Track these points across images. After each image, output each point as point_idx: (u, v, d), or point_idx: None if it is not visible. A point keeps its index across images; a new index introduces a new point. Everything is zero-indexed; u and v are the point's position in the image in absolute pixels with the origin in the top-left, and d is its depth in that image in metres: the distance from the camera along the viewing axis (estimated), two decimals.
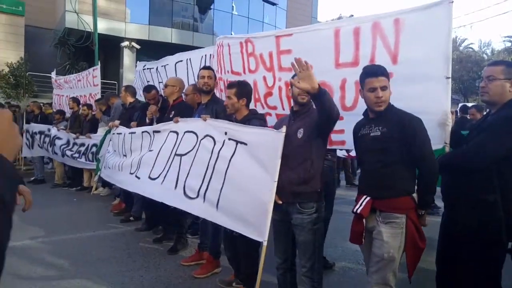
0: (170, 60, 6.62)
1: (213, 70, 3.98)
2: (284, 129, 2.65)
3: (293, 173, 2.59)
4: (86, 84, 8.53)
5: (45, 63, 15.04)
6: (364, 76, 2.38)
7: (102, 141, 6.70)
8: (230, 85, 3.25)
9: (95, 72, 8.17)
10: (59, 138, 7.65)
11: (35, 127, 8.27)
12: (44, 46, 17.25)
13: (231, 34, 19.68)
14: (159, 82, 6.88)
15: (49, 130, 7.94)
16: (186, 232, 4.47)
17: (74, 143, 7.43)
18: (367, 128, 2.42)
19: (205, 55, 5.74)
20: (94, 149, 7.01)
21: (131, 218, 5.36)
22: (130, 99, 5.71)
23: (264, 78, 3.74)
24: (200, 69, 4.09)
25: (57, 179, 7.97)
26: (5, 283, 3.31)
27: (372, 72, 2.35)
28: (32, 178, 8.36)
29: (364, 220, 2.38)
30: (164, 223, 4.64)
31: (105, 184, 7.09)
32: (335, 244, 4.44)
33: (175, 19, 19.69)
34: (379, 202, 2.32)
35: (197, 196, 3.21)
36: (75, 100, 8.08)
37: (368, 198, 2.36)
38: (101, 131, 7.39)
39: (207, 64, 5.60)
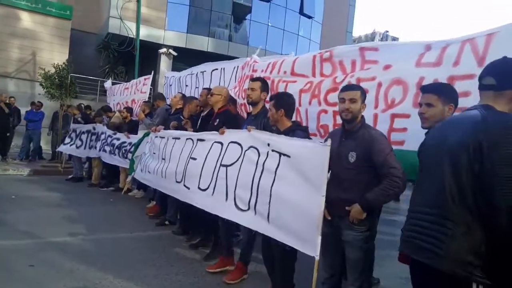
0: (207, 67, 6.78)
1: (261, 82, 3.91)
2: (329, 142, 2.61)
3: (344, 194, 2.55)
4: (134, 92, 8.81)
5: (87, 65, 15.65)
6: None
7: (139, 142, 6.87)
8: (270, 97, 3.38)
9: (146, 81, 8.44)
10: (103, 133, 7.95)
11: (82, 127, 8.61)
12: (87, 49, 17.98)
13: (265, 46, 19.98)
14: (195, 87, 7.05)
15: (94, 128, 8.28)
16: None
17: (109, 136, 7.74)
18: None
19: (237, 67, 5.84)
20: (128, 147, 7.20)
21: (167, 222, 5.41)
22: (179, 105, 5.76)
23: (335, 78, 3.74)
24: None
25: (94, 179, 8.19)
26: (50, 276, 3.40)
27: (421, 89, 2.45)
28: (70, 176, 8.66)
29: None
30: (200, 228, 4.66)
31: (140, 186, 7.25)
32: (381, 262, 4.31)
33: (212, 28, 20.11)
34: None
35: (248, 209, 3.19)
36: (106, 109, 8.52)
37: None
38: (141, 134, 7.61)
39: (238, 75, 5.71)
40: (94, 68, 16.36)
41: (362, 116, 2.69)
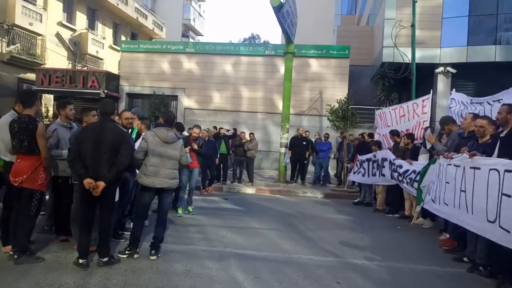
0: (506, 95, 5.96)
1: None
2: None
3: None
4: (412, 116, 8.74)
5: (364, 96, 16.77)
6: None
7: (424, 170, 6.59)
8: None
9: (425, 102, 8.31)
10: (385, 160, 8.23)
11: (364, 156, 9.23)
12: (363, 82, 19.29)
13: None
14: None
15: (374, 156, 8.70)
16: None
17: (391, 163, 7.84)
18: None
19: None
20: (413, 175, 7.03)
21: (465, 259, 4.84)
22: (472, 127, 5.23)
23: None
24: None
25: (379, 205, 8.46)
26: None
27: None
28: (357, 200, 9.34)
29: None
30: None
31: (426, 215, 6.89)
32: None
33: (499, 34, 17.25)
34: None
35: None
36: (395, 133, 8.52)
37: None
38: (421, 158, 7.34)
39: None
40: (370, 98, 17.31)
41: None
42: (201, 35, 40.80)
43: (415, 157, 7.46)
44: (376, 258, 4.93)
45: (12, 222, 4.20)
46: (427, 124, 8.06)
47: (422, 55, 16.13)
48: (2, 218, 4.37)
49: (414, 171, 7.08)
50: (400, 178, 7.43)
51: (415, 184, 6.87)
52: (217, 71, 17.44)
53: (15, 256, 4.01)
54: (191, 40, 35.52)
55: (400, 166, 7.55)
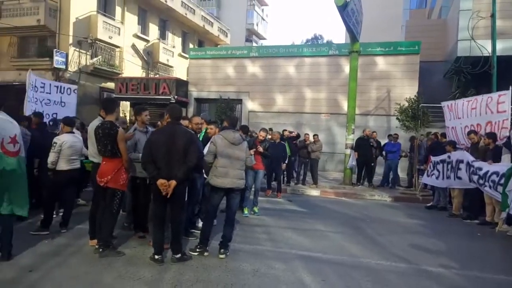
0: None
1: None
2: None
3: None
4: (485, 112, 8.05)
5: (436, 94, 15.73)
6: None
7: (510, 174, 6.02)
8: None
9: (501, 98, 7.58)
10: (460, 161, 7.68)
11: (437, 157, 8.67)
12: (435, 78, 18.11)
13: None
14: None
15: (449, 157, 8.13)
16: None
17: (470, 165, 7.30)
18: None
19: None
20: (495, 178, 6.46)
21: None
22: None
23: None
24: None
25: (455, 209, 7.89)
26: None
27: None
28: (430, 204, 8.81)
29: None
30: None
31: (511, 221, 6.29)
32: None
33: None
34: None
35: None
36: (472, 132, 7.88)
37: None
38: (504, 160, 6.73)
39: None
40: (444, 95, 16.18)
41: None
42: (264, 38, 41.36)
43: (497, 159, 6.86)
44: (453, 265, 4.61)
45: (97, 218, 4.65)
46: (508, 123, 7.35)
47: (504, 46, 14.74)
48: (91, 215, 4.84)
49: (496, 173, 6.50)
50: (481, 181, 6.86)
51: (499, 188, 6.30)
52: (280, 73, 17.53)
53: (100, 250, 4.41)
54: (254, 44, 36.17)
55: (480, 168, 6.97)
